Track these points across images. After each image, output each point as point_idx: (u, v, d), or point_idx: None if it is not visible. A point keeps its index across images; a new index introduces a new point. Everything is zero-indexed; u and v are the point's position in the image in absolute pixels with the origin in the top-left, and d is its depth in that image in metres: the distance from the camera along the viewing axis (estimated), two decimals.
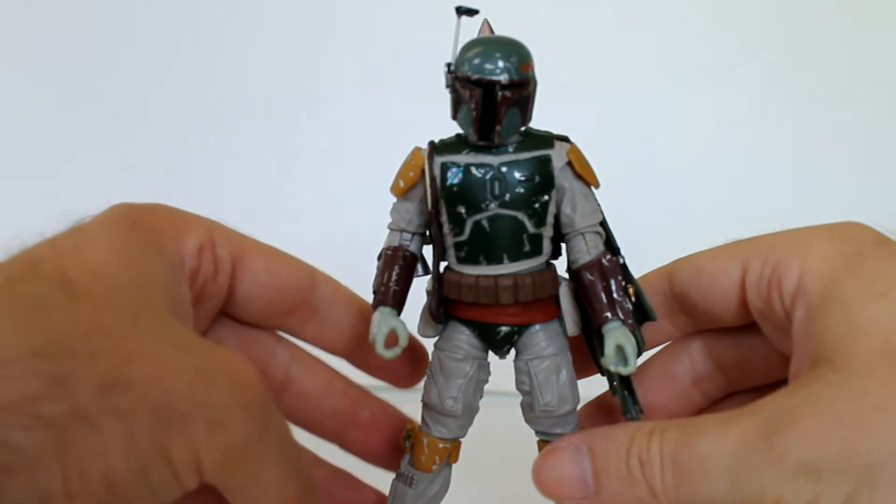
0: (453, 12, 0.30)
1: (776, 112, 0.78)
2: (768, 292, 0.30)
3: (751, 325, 0.33)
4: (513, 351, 0.33)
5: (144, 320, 0.23)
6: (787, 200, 0.74)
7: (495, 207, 0.30)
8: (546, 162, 0.30)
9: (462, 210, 0.30)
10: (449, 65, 0.30)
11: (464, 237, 0.31)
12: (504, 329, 0.32)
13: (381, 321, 0.31)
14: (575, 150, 0.31)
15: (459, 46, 0.30)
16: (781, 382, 0.32)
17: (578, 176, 0.31)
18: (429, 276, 0.33)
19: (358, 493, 0.37)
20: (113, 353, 0.21)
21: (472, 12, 0.30)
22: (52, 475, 0.20)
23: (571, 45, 0.71)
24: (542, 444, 0.33)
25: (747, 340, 0.34)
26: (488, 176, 0.30)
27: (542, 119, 0.31)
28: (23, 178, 0.76)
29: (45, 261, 0.24)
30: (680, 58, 0.78)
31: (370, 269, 0.33)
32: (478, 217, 0.30)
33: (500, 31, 0.30)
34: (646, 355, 0.36)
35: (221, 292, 0.31)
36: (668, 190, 0.76)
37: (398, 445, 0.36)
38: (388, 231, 0.33)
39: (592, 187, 0.31)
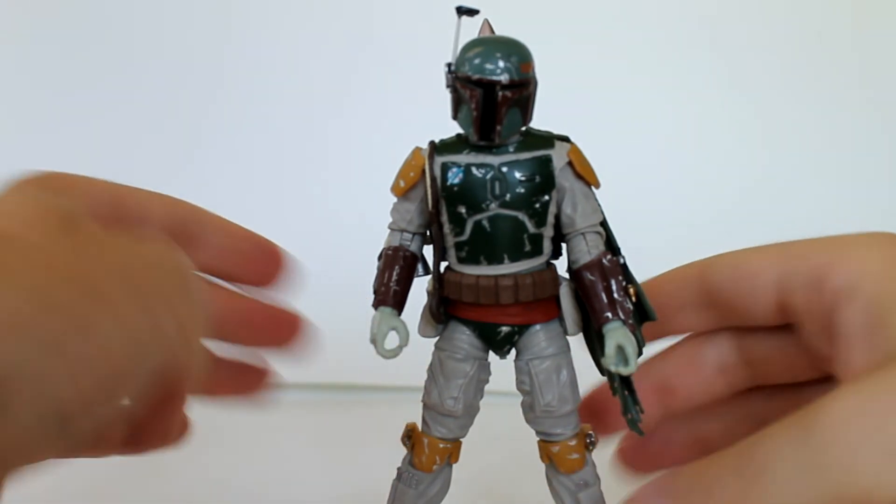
0: (454, 12, 0.30)
1: (774, 114, 0.78)
2: (808, 291, 0.30)
3: (780, 325, 0.33)
4: (513, 351, 0.33)
5: (82, 243, 0.25)
6: (791, 202, 0.74)
7: (496, 207, 0.30)
8: (546, 162, 0.30)
9: (462, 210, 0.30)
10: (449, 65, 0.30)
11: (464, 237, 0.31)
12: (504, 329, 0.32)
13: (382, 321, 0.31)
14: (575, 150, 0.31)
15: (460, 46, 0.30)
16: (806, 383, 0.33)
17: (579, 176, 0.31)
18: (429, 276, 0.33)
19: (246, 374, 0.37)
20: (78, 273, 0.22)
21: (472, 12, 0.30)
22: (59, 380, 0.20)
23: (573, 44, 0.71)
24: (543, 444, 0.33)
25: (775, 338, 0.34)
26: (489, 176, 0.30)
27: (542, 118, 0.31)
28: None
29: None
30: (684, 57, 0.78)
31: (371, 267, 0.33)
32: (478, 217, 0.30)
33: (500, 30, 0.30)
34: (670, 341, 0.37)
35: None
36: (668, 190, 0.76)
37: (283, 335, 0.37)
38: (388, 231, 0.33)
39: (593, 187, 0.31)
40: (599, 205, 0.32)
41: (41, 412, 0.20)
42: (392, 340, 0.31)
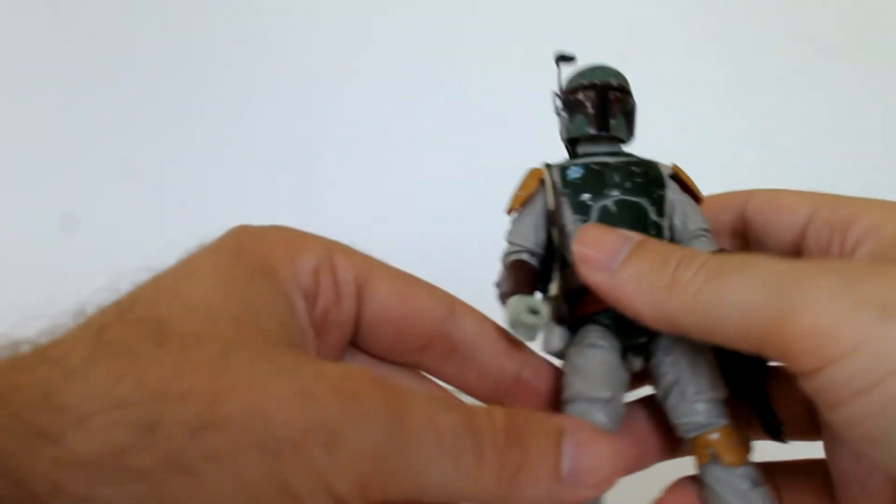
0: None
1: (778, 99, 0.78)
2: (829, 237, 0.30)
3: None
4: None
5: (239, 352, 0.21)
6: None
7: (618, 194, 0.31)
8: (655, 166, 0.32)
9: (586, 197, 0.31)
10: (558, 92, 0.32)
11: (591, 223, 0.31)
12: None
13: (519, 301, 0.29)
14: (678, 167, 0.32)
15: (557, 85, 0.32)
16: None
17: (685, 189, 0.32)
18: (549, 289, 0.32)
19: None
20: (205, 391, 0.20)
21: (570, 59, 0.33)
22: None
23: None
24: (699, 438, 0.30)
25: None
26: (607, 168, 0.31)
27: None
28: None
29: (142, 302, 0.23)
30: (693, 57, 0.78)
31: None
32: (603, 202, 0.31)
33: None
34: None
35: (348, 320, 0.29)
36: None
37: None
38: (507, 246, 0.32)
39: (699, 203, 0.32)
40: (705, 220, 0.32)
41: None
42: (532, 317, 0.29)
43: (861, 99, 0.78)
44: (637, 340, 0.31)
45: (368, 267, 0.29)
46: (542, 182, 0.31)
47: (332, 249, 0.28)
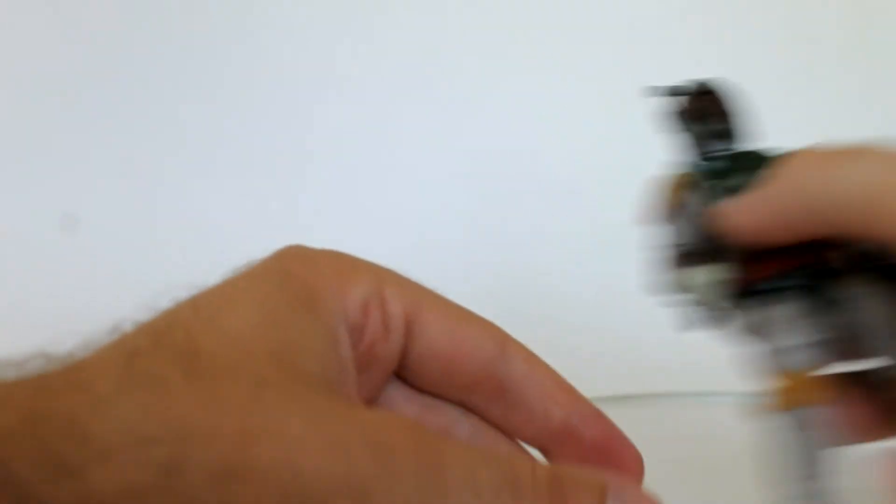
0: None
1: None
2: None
3: None
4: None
5: (271, 391, 0.20)
6: None
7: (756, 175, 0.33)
8: (774, 151, 0.33)
9: (730, 183, 0.32)
10: (664, 114, 0.35)
11: None
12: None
13: (702, 271, 0.31)
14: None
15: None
16: None
17: None
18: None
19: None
20: (232, 433, 0.19)
21: (663, 91, 0.35)
22: None
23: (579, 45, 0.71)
24: None
25: None
26: (738, 156, 0.33)
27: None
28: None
29: (179, 327, 0.22)
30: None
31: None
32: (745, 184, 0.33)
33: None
34: None
35: (394, 355, 0.27)
36: None
37: None
38: (663, 251, 0.33)
39: None
40: None
41: None
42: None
43: (861, 99, 0.78)
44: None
45: (419, 299, 0.28)
46: (679, 185, 0.33)
47: (382, 280, 0.27)
